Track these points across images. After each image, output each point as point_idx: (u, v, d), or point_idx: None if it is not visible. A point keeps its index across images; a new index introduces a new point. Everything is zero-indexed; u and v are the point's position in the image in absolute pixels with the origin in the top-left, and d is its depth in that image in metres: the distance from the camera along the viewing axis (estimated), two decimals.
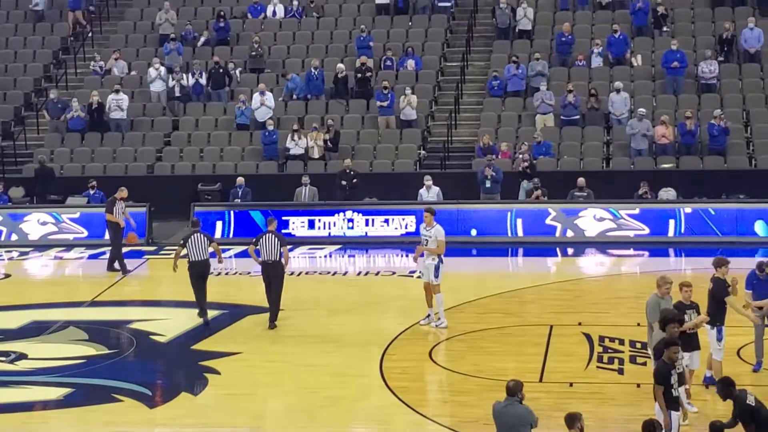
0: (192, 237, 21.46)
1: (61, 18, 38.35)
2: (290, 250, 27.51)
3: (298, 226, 28.83)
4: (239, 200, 29.83)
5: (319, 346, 19.93)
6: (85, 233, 29.29)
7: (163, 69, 34.51)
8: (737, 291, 16.22)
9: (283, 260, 21.10)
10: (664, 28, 34.57)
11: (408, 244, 27.92)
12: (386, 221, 28.78)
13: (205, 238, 21.59)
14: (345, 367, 18.78)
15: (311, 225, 28.96)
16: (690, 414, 14.82)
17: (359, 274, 26.24)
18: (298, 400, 17.38)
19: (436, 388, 18.27)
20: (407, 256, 27.48)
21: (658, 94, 32.85)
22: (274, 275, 21.12)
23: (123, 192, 26.30)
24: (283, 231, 27.88)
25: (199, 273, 21.60)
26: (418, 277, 20.91)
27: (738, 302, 16.65)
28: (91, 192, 30.49)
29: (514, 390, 12.81)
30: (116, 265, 26.04)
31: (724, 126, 30.32)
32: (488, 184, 29.06)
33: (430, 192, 28.85)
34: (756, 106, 31.93)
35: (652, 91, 33.03)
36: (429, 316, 20.75)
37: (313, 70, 33.81)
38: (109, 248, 26.50)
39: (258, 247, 21.17)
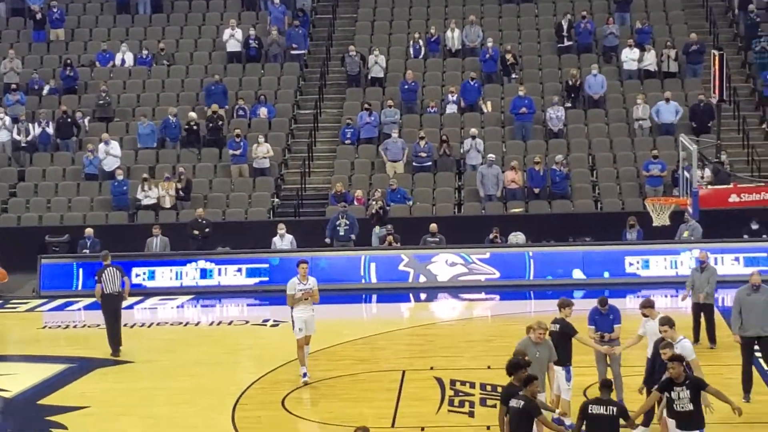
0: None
1: None
2: (141, 301, 27.29)
3: (149, 276, 28.39)
4: (88, 251, 29.23)
5: (170, 397, 19.59)
6: None
7: (8, 119, 33.82)
8: None
9: (125, 291, 22.24)
10: (513, 75, 35.25)
11: (261, 293, 27.87)
12: (239, 270, 28.57)
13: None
14: (197, 418, 18.45)
15: (163, 275, 28.56)
16: None
17: (212, 324, 25.95)
18: None
19: None
20: (260, 305, 27.37)
21: (508, 140, 33.43)
22: (118, 306, 22.14)
23: None
24: (134, 282, 27.52)
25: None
26: (300, 329, 20.15)
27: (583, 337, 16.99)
28: None
29: None
30: None
31: (566, 171, 31.04)
32: (342, 232, 29.08)
33: (283, 240, 28.73)
34: (601, 151, 32.73)
35: (502, 137, 33.61)
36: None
37: (171, 118, 33.55)
38: None
39: (101, 282, 22.02)
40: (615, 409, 13.76)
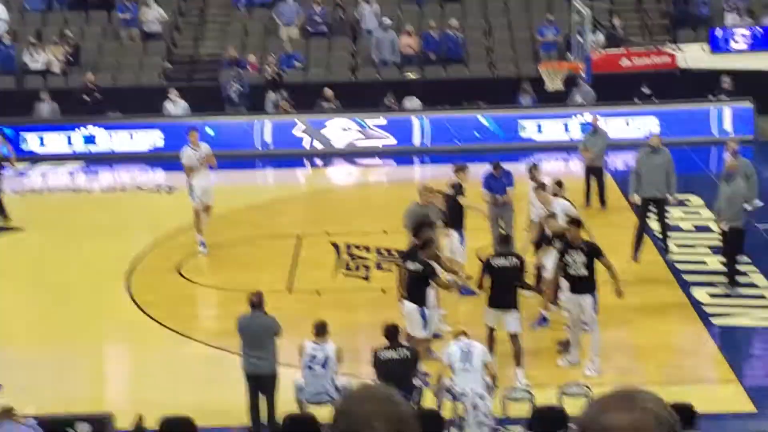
0: None
1: None
2: (31, 167, 26.83)
3: (38, 142, 27.85)
4: None
5: (63, 264, 19.42)
6: None
7: None
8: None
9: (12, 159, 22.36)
10: None
11: (154, 159, 27.54)
12: (131, 136, 28.14)
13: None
14: (90, 284, 18.36)
15: (53, 141, 28.02)
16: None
17: (104, 190, 25.61)
18: (44, 319, 16.90)
19: (184, 302, 18.07)
20: (153, 171, 27.06)
21: (403, 4, 33.10)
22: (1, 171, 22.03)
23: None
24: (23, 148, 27.02)
25: None
26: (198, 197, 19.77)
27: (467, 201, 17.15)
28: None
29: (257, 302, 12.82)
30: None
31: (461, 36, 30.95)
32: (234, 97, 28.73)
33: (176, 106, 28.31)
34: (496, 16, 32.61)
35: (398, 1, 33.25)
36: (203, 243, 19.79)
37: None
38: None
39: None
40: (517, 260, 13.99)
